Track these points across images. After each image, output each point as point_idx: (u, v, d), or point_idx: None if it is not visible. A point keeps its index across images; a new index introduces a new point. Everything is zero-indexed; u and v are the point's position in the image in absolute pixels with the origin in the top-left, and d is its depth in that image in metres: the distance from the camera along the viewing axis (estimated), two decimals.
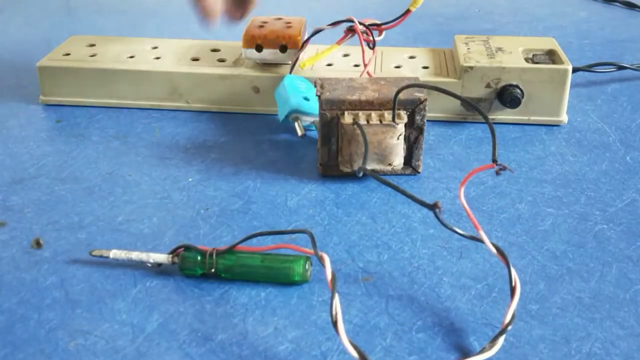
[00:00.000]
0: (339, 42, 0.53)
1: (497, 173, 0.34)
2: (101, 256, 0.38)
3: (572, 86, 0.54)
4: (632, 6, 0.86)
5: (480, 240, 0.35)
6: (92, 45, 0.60)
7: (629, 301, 0.36)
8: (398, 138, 0.45)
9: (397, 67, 0.57)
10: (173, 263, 0.38)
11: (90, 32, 0.76)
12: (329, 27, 0.53)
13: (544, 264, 0.39)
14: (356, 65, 0.57)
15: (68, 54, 0.58)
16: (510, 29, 0.78)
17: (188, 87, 0.56)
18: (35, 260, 0.39)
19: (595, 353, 0.33)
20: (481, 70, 0.53)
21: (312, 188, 0.46)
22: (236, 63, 0.57)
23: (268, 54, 0.54)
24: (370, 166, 0.45)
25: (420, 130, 0.46)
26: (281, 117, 0.51)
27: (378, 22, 0.54)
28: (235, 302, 0.36)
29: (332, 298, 0.32)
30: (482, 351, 0.32)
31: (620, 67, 0.64)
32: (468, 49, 0.56)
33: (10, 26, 0.79)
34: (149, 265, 0.38)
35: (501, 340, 0.33)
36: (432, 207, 0.34)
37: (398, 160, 0.46)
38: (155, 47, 0.60)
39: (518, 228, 0.42)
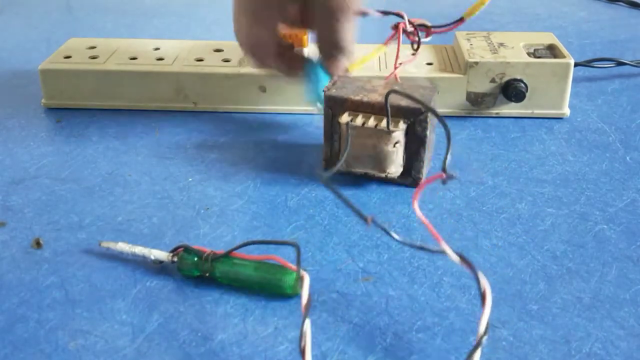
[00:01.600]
0: (386, 43, 0.52)
1: (444, 182, 0.34)
2: (108, 248, 0.39)
3: (572, 83, 0.55)
4: (635, 5, 0.86)
5: (443, 252, 0.32)
6: (93, 47, 0.60)
7: (629, 301, 0.36)
8: (394, 146, 0.44)
9: (401, 63, 0.57)
10: (172, 262, 0.38)
11: (90, 32, 0.76)
12: (377, 13, 0.51)
13: (544, 264, 0.39)
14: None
15: (69, 57, 0.58)
16: (510, 29, 0.78)
17: (194, 87, 0.56)
18: (35, 260, 0.39)
19: (595, 353, 0.33)
20: (486, 66, 0.54)
21: (312, 188, 0.46)
22: (241, 63, 0.57)
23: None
24: (365, 170, 0.45)
25: (422, 142, 0.44)
26: (313, 97, 0.49)
27: (428, 23, 0.52)
28: (235, 302, 0.36)
29: (302, 322, 0.30)
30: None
31: (620, 63, 0.64)
32: (470, 44, 0.56)
33: (10, 26, 0.79)
34: (150, 261, 0.38)
35: (478, 354, 0.31)
36: (365, 219, 0.33)
37: (394, 169, 0.45)
38: (157, 48, 0.60)
39: (518, 228, 0.42)
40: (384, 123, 0.43)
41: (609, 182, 0.47)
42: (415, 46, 0.52)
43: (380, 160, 0.44)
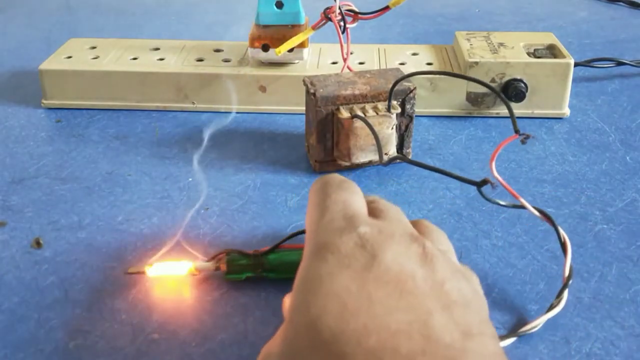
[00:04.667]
0: (314, 27, 0.54)
1: (523, 142, 0.36)
2: (138, 272, 0.37)
3: (572, 83, 0.55)
4: (635, 5, 0.86)
5: (523, 207, 0.36)
6: (93, 47, 0.60)
7: (629, 301, 0.36)
8: (392, 128, 0.46)
9: (402, 64, 0.57)
10: (217, 269, 0.37)
11: (90, 32, 0.76)
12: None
13: (544, 264, 0.39)
14: (361, 63, 0.57)
15: (70, 57, 0.58)
16: (511, 29, 0.78)
17: (194, 87, 0.56)
18: (35, 260, 0.39)
19: (595, 353, 0.33)
20: (486, 66, 0.54)
21: None
22: (241, 63, 0.57)
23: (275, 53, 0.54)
24: (367, 158, 0.46)
25: (410, 119, 0.48)
26: None
27: (356, 9, 0.54)
28: (236, 302, 0.36)
29: None
30: (550, 308, 0.34)
31: (620, 63, 0.64)
32: (470, 44, 0.56)
33: (10, 26, 0.79)
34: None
35: (566, 294, 0.35)
36: (482, 182, 0.35)
37: (392, 150, 0.47)
38: (157, 49, 0.60)
39: (518, 228, 0.42)
40: (380, 108, 0.45)
41: (609, 182, 0.47)
42: (342, 29, 0.53)
43: (383, 144, 0.45)
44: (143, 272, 0.37)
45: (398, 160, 0.42)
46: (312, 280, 0.27)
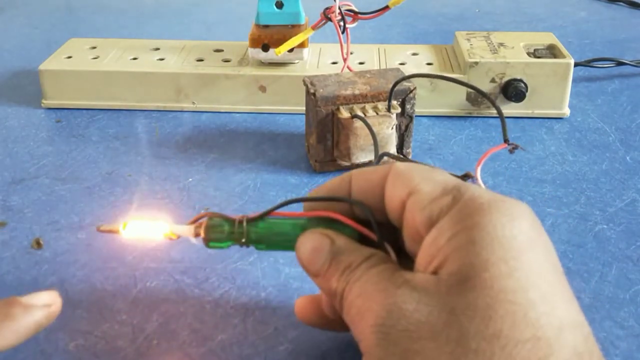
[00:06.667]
0: (314, 27, 0.54)
1: (511, 152, 0.35)
2: (111, 231, 0.32)
3: (572, 83, 0.55)
4: (635, 5, 0.86)
5: None
6: (93, 47, 0.60)
7: (629, 301, 0.36)
8: (392, 128, 0.46)
9: (402, 64, 0.57)
10: (196, 235, 0.32)
11: (90, 32, 0.76)
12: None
13: None
14: (361, 63, 0.57)
15: (70, 57, 0.58)
16: (511, 29, 0.78)
17: (194, 87, 0.56)
18: (35, 260, 0.39)
19: None
20: (486, 66, 0.54)
21: (312, 188, 0.46)
22: (241, 63, 0.57)
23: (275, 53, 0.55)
24: (367, 158, 0.46)
25: (410, 119, 0.48)
26: None
27: (355, 9, 0.54)
28: (235, 303, 0.36)
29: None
30: None
31: (620, 63, 0.64)
32: (470, 44, 0.56)
33: (10, 26, 0.79)
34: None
35: None
36: (464, 177, 0.34)
37: (392, 150, 0.47)
38: (157, 49, 0.60)
39: None
40: (380, 108, 0.45)
41: (609, 182, 0.47)
42: (342, 29, 0.53)
43: (383, 145, 0.46)
44: (116, 231, 0.32)
45: (387, 158, 0.42)
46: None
